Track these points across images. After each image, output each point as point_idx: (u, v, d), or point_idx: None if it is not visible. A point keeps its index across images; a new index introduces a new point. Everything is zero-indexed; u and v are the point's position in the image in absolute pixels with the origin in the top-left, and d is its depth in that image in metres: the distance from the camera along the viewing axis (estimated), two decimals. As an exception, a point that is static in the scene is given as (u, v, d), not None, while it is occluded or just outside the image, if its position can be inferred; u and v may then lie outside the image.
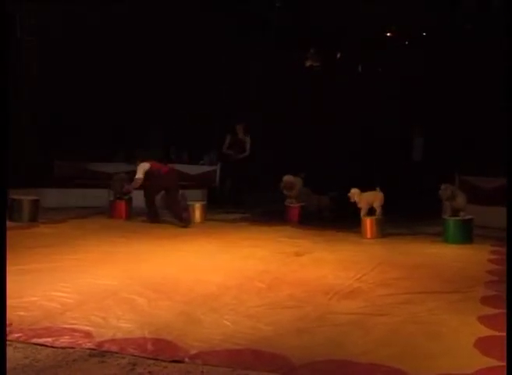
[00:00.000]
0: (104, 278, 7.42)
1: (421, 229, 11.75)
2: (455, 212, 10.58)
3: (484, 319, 6.02)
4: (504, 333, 5.53)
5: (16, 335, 5.34)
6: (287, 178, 12.81)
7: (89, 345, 5.15)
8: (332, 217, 12.65)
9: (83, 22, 15.34)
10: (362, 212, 10.98)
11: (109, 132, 15.77)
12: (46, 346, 5.13)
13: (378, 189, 11.09)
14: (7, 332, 5.39)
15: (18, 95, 15.28)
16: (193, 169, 15.78)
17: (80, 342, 5.22)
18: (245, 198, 14.85)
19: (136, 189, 11.83)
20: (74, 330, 5.49)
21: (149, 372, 4.67)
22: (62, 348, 5.10)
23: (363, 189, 11.02)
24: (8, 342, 5.19)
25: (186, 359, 4.91)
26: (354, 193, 10.95)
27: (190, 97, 16.57)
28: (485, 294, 7.01)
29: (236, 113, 16.21)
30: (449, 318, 6.10)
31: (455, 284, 7.51)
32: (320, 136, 16.74)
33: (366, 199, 10.97)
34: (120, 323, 5.73)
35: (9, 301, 6.21)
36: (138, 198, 12.20)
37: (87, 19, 15.39)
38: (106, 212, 12.82)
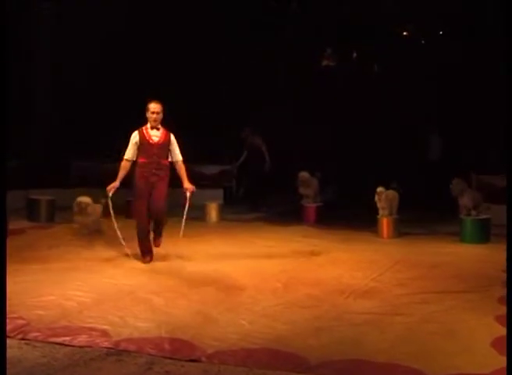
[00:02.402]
0: (121, 277, 7.45)
1: (438, 228, 11.71)
2: (471, 211, 10.52)
3: (501, 319, 5.97)
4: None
5: (34, 334, 5.37)
6: (303, 175, 12.79)
7: (106, 344, 5.18)
8: None
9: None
10: (384, 212, 10.91)
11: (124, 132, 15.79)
12: (64, 345, 5.16)
13: (394, 189, 11.06)
14: (25, 331, 5.44)
15: (32, 96, 15.35)
16: (208, 169, 15.77)
17: (97, 341, 5.24)
18: (261, 199, 14.79)
19: None
20: (91, 329, 5.52)
21: (166, 371, 4.69)
22: (80, 347, 5.13)
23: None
24: (26, 341, 5.24)
25: (203, 358, 4.92)
26: (381, 192, 10.87)
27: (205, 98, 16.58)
28: (502, 294, 6.95)
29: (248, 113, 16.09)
30: (466, 317, 6.08)
31: (472, 284, 7.48)
32: (337, 135, 16.70)
33: (389, 199, 10.93)
34: (137, 323, 5.75)
35: (28, 300, 6.30)
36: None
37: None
38: (122, 211, 12.82)
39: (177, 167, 8.73)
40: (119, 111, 15.38)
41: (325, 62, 18.03)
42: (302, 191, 12.92)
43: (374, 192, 10.93)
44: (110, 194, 8.66)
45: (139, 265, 8.25)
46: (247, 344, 5.23)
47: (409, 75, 16.93)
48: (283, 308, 6.34)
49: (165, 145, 8.62)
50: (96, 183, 14.43)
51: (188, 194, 8.73)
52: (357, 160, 16.05)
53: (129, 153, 8.65)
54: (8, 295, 6.43)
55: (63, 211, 12.29)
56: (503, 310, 6.28)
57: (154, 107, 8.51)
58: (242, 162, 15.30)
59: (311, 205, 12.85)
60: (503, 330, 5.64)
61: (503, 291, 7.05)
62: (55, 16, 15.93)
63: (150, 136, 8.57)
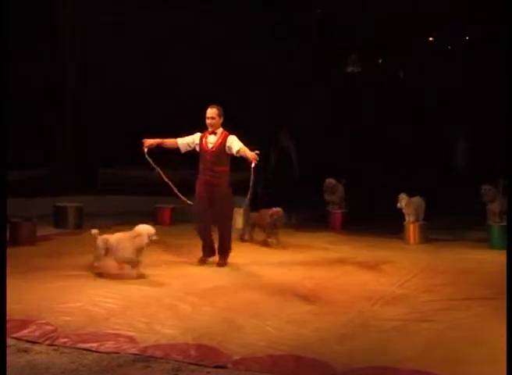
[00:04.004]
0: (148, 284, 7.48)
1: (465, 234, 11.64)
2: (498, 217, 10.49)
3: (529, 326, 5.95)
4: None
5: (62, 340, 5.41)
6: (329, 180, 12.81)
7: (133, 351, 5.20)
8: None
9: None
10: (409, 218, 10.89)
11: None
12: (91, 351, 5.19)
13: (422, 196, 11.04)
14: (53, 337, 5.49)
15: (60, 104, 15.45)
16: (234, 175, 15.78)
17: (124, 347, 5.27)
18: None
19: None
20: (118, 336, 5.55)
21: (193, 377, 4.72)
22: (107, 353, 5.16)
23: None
24: (54, 347, 5.28)
25: (229, 365, 4.93)
26: (403, 199, 10.86)
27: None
28: (530, 300, 6.93)
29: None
30: (493, 324, 6.03)
31: (500, 290, 7.39)
32: (363, 142, 16.64)
33: (414, 205, 10.90)
34: (164, 329, 5.77)
35: (55, 307, 6.35)
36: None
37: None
38: (149, 218, 12.88)
39: (240, 154, 8.52)
40: (144, 119, 15.44)
41: (349, 68, 18.02)
42: (328, 197, 12.92)
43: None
44: (145, 150, 8.74)
45: (165, 272, 8.27)
46: (273, 351, 5.23)
47: (434, 80, 16.85)
48: (309, 315, 6.34)
49: (218, 153, 8.60)
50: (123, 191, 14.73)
51: (252, 165, 8.33)
52: (384, 167, 15.97)
53: (183, 139, 8.84)
54: (36, 301, 6.54)
55: (91, 217, 12.39)
56: (530, 317, 6.26)
57: (209, 112, 8.58)
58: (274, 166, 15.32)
59: (337, 212, 12.84)
60: (531, 337, 5.62)
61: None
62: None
63: (206, 142, 8.67)
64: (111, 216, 13.00)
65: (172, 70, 15.88)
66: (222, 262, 8.87)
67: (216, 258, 8.96)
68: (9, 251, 9.53)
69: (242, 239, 10.83)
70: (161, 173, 8.87)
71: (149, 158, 8.78)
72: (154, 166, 8.83)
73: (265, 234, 10.58)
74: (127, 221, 12.67)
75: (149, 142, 8.72)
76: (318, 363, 4.99)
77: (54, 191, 13.66)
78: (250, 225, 10.93)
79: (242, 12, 16.23)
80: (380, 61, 17.97)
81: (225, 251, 8.92)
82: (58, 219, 12.03)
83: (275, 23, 16.62)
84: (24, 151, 14.23)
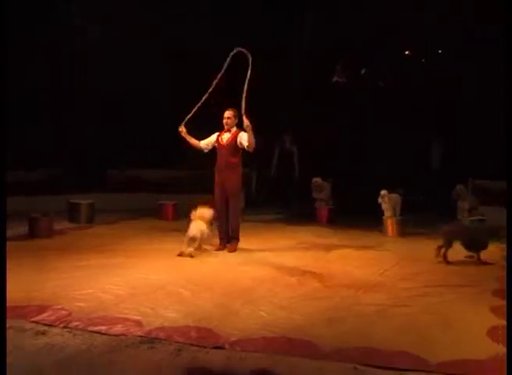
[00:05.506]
0: (153, 273, 7.46)
1: (438, 228, 11.62)
2: (467, 213, 10.52)
3: (496, 310, 5.96)
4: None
5: (76, 323, 5.41)
6: (315, 180, 12.82)
7: (139, 333, 5.20)
8: None
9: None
10: (388, 213, 10.92)
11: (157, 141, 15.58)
12: (101, 333, 5.20)
13: (399, 193, 11.04)
14: (67, 320, 5.48)
15: (73, 109, 15.24)
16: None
17: (131, 330, 5.27)
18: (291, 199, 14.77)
19: None
20: (126, 320, 5.54)
21: (193, 357, 4.70)
22: (116, 335, 5.16)
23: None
24: (68, 330, 5.28)
25: (226, 346, 4.93)
26: (383, 196, 10.90)
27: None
28: (496, 287, 6.94)
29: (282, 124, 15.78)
30: (463, 309, 6.05)
31: (469, 278, 7.44)
32: (348, 146, 16.55)
33: (392, 202, 10.93)
34: (167, 313, 5.77)
35: (69, 294, 6.34)
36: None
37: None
38: (154, 213, 12.87)
39: (248, 139, 9.01)
40: (154, 123, 15.29)
41: (335, 78, 17.94)
42: (315, 195, 12.92)
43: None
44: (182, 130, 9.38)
45: (169, 261, 8.26)
46: (266, 333, 5.23)
47: (412, 90, 16.81)
48: (299, 301, 6.34)
49: (231, 146, 9.19)
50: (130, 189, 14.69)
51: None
52: (366, 168, 15.94)
53: (204, 141, 9.52)
54: (52, 289, 6.53)
55: (102, 213, 12.37)
56: (497, 302, 6.27)
57: (226, 113, 9.24)
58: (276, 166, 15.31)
59: (323, 208, 12.84)
60: (497, 320, 5.63)
61: (498, 285, 7.04)
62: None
63: (221, 138, 9.37)
64: (119, 212, 12.97)
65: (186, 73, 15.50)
66: (231, 248, 9.20)
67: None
68: (28, 243, 9.58)
69: None
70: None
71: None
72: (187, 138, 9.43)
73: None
74: (133, 216, 12.73)
75: (184, 131, 9.38)
76: (307, 344, 4.99)
77: (68, 190, 13.62)
78: None
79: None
80: (363, 72, 17.93)
81: (234, 238, 9.29)
82: (72, 214, 12.00)
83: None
84: (41, 152, 14.14)
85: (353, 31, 16.02)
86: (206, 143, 9.47)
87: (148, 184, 14.88)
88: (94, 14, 15.38)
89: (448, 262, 8.24)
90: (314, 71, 16.76)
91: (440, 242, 8.61)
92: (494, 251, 8.72)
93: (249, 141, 8.96)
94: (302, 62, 16.79)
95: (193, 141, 9.48)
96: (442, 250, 8.44)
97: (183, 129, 9.34)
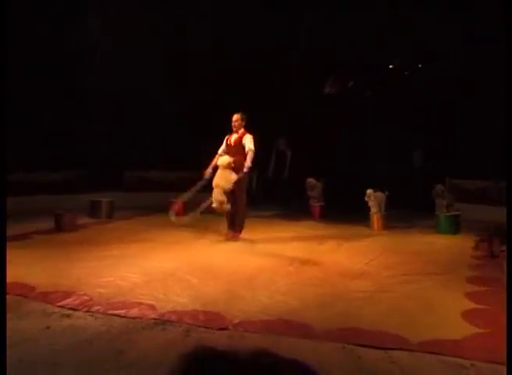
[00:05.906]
0: (166, 262, 7.46)
1: (418, 223, 11.63)
2: (444, 209, 10.55)
3: (469, 295, 5.98)
4: (487, 307, 5.53)
5: (96, 308, 5.43)
6: (309, 179, 12.89)
7: (153, 316, 5.22)
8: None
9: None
10: (374, 209, 10.93)
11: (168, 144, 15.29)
12: (120, 316, 5.21)
13: (384, 191, 11.05)
14: (89, 305, 5.49)
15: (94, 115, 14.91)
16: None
17: (146, 313, 5.28)
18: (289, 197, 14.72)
19: None
20: (141, 304, 5.56)
21: (201, 337, 4.71)
22: (133, 318, 5.17)
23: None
24: (90, 313, 5.29)
25: (230, 327, 4.95)
26: (369, 194, 10.93)
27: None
28: (470, 275, 6.96)
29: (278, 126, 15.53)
30: (440, 294, 6.05)
31: (445, 267, 7.44)
32: (338, 150, 16.46)
33: (377, 199, 10.94)
34: (178, 298, 5.77)
35: (91, 281, 6.35)
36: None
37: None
38: (165, 210, 12.83)
39: (246, 153, 9.19)
40: (166, 128, 15.01)
41: (326, 90, 17.85)
42: (309, 193, 12.94)
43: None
44: (206, 177, 9.39)
45: (179, 252, 8.25)
46: (265, 316, 5.25)
47: (396, 101, 16.72)
48: (294, 287, 6.34)
49: (237, 145, 9.33)
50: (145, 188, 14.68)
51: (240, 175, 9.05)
52: (355, 169, 15.88)
53: (220, 148, 9.63)
54: (76, 276, 6.54)
55: (120, 210, 12.38)
56: (470, 288, 6.30)
57: (234, 117, 9.42)
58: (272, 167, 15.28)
59: (316, 205, 12.85)
60: (471, 305, 5.64)
61: (471, 273, 7.06)
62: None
63: (230, 139, 9.51)
64: (134, 209, 12.99)
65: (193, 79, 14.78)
66: (233, 236, 9.37)
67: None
68: (55, 236, 9.59)
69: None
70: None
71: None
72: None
73: None
74: (147, 212, 12.73)
75: (208, 171, 9.41)
76: (301, 326, 5.00)
77: (90, 188, 13.63)
78: None
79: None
80: (351, 84, 17.86)
81: (236, 226, 9.46)
82: (94, 210, 12.02)
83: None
84: (63, 155, 14.06)
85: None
86: (222, 150, 9.61)
87: (160, 185, 14.84)
88: (93, 14, 14.52)
89: (493, 256, 8.08)
90: (314, 71, 16.49)
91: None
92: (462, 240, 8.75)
93: (247, 161, 9.05)
94: (301, 63, 16.39)
95: (214, 162, 9.44)
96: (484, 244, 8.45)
97: (206, 172, 9.38)
